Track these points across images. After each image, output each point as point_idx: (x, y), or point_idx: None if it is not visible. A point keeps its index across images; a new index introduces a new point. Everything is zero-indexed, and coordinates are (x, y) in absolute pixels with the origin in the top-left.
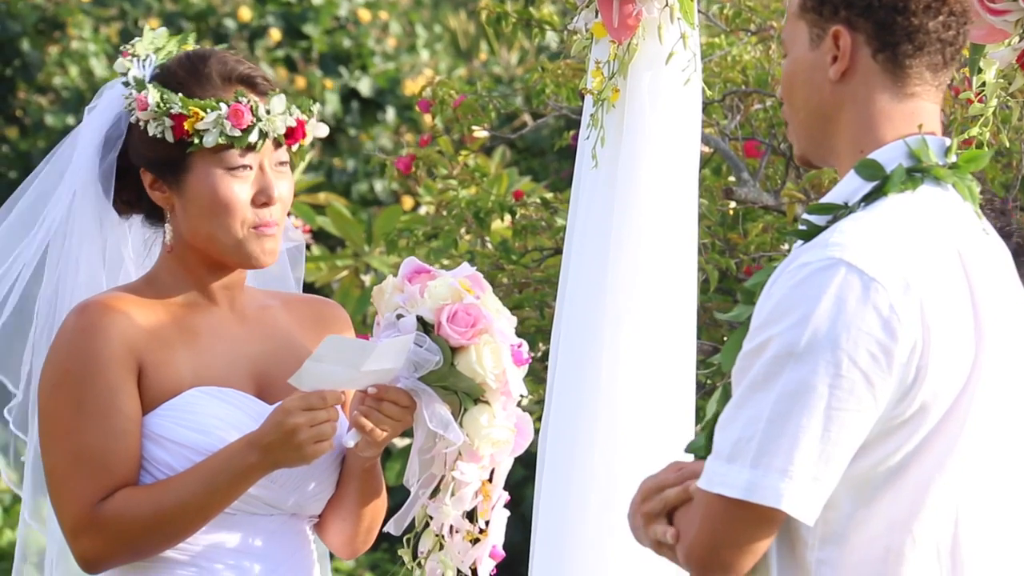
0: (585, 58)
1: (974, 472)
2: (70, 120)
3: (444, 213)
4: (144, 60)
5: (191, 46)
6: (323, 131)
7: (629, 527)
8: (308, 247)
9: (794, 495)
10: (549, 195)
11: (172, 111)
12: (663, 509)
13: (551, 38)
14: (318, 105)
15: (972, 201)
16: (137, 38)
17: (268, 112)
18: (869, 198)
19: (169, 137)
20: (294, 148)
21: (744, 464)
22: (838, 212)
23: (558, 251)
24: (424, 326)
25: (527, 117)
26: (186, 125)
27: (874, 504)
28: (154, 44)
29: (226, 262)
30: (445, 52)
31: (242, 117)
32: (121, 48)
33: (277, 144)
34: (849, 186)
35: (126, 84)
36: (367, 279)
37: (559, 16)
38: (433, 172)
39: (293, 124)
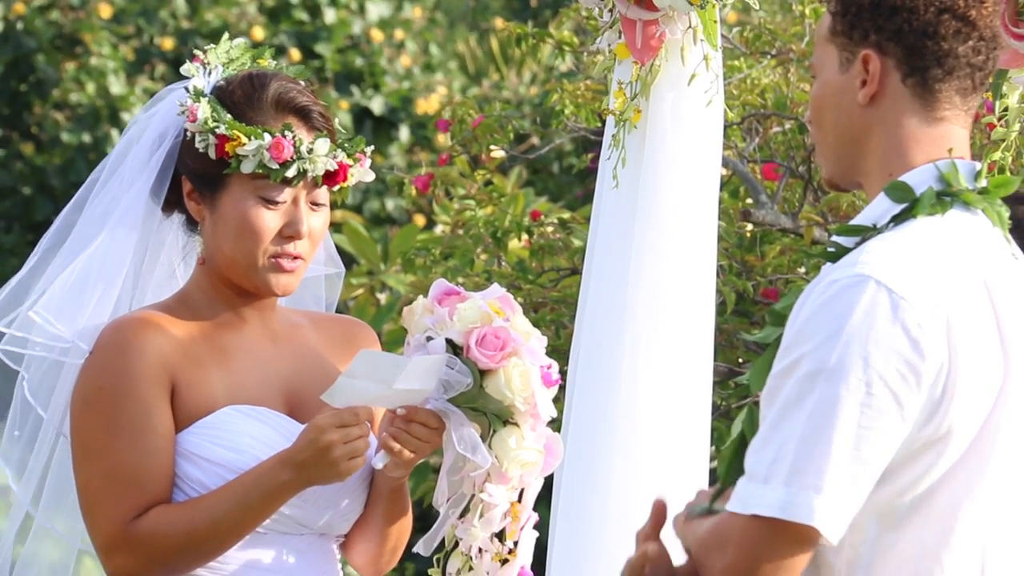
0: (607, 79)
1: (1002, 500)
2: (86, 137)
3: (461, 232)
4: (212, 70)
5: (266, 61)
6: (369, 176)
7: None
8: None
9: (825, 512)
10: (566, 215)
11: (217, 130)
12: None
13: (556, 57)
14: (371, 147)
15: (1001, 226)
16: (213, 44)
17: (311, 151)
18: (898, 219)
19: (212, 154)
20: (335, 189)
21: (778, 483)
22: (866, 233)
23: (575, 271)
24: (454, 348)
25: (535, 139)
26: (227, 147)
27: (901, 530)
28: (228, 55)
29: (242, 285)
30: (459, 72)
31: (282, 151)
32: (195, 51)
33: (315, 184)
34: (878, 208)
35: (187, 90)
36: (383, 297)
37: (576, 35)
38: (450, 192)
39: (334, 168)
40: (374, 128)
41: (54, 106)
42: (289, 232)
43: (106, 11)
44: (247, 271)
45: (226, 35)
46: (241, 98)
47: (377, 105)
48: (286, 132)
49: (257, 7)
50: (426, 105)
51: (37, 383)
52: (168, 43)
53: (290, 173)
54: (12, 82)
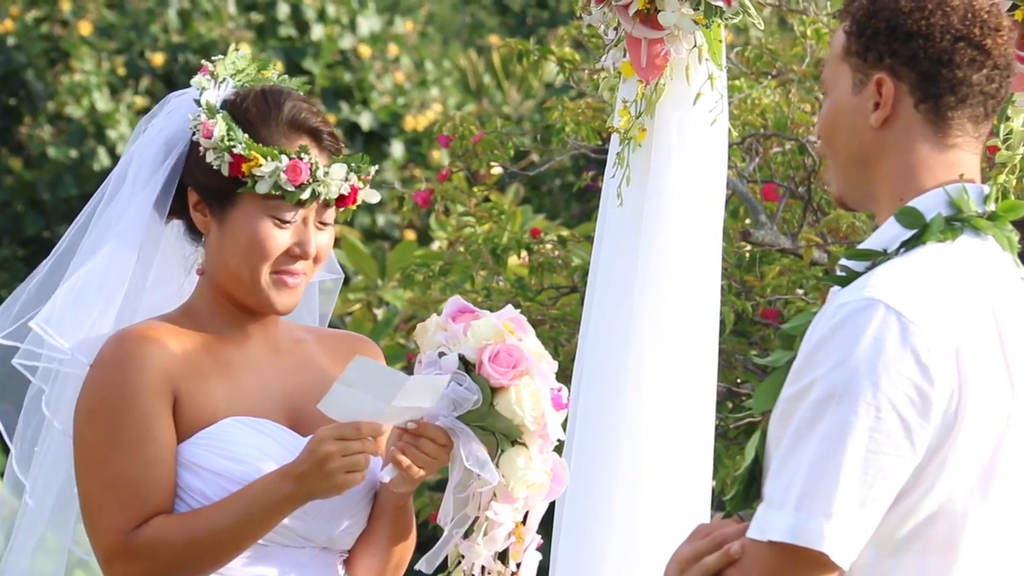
0: (610, 97)
1: (1005, 529)
2: (72, 153)
3: (461, 249)
4: (221, 82)
5: (270, 73)
6: (375, 198)
7: None
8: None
9: (835, 537)
10: (565, 233)
11: (234, 150)
12: None
13: (558, 75)
14: (375, 168)
15: (1011, 250)
16: (220, 55)
17: (326, 174)
18: (908, 245)
19: (224, 171)
20: (341, 209)
21: (789, 508)
22: (876, 258)
23: (573, 289)
24: (465, 365)
25: (533, 156)
26: (244, 167)
27: (900, 556)
28: (235, 66)
29: (244, 302)
30: (454, 88)
31: (300, 175)
32: (202, 62)
33: (326, 205)
34: (888, 233)
35: (198, 103)
36: (379, 312)
37: (573, 50)
38: (448, 208)
39: (347, 192)
40: (364, 144)
41: (48, 120)
42: (297, 251)
43: (86, 28)
44: (251, 288)
45: (232, 46)
46: (256, 116)
47: (366, 120)
48: (303, 155)
49: (245, 24)
50: (414, 122)
51: (53, 396)
52: (158, 58)
53: (304, 196)
54: (2, 97)
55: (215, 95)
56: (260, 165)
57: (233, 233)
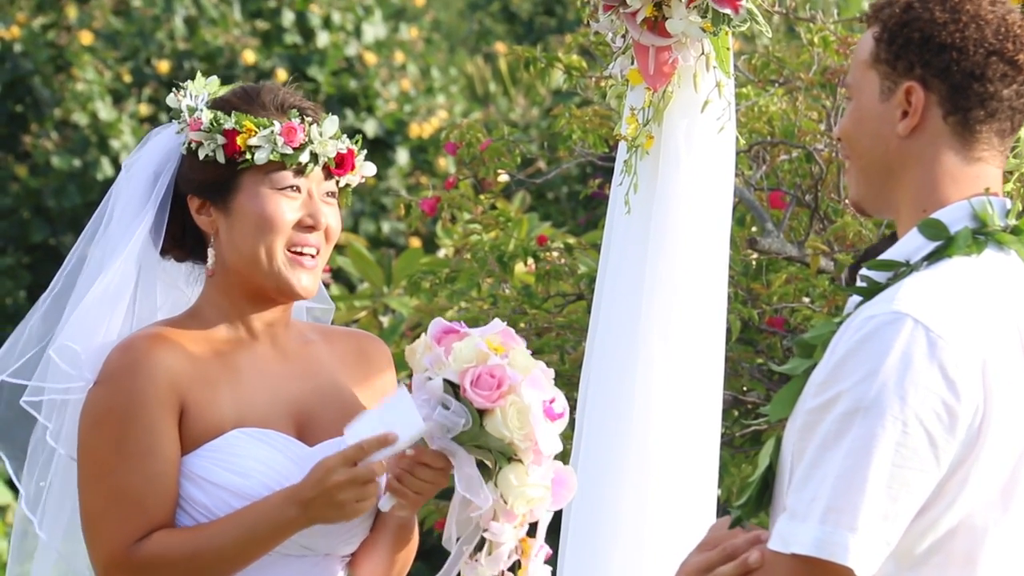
0: (617, 105)
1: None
2: (76, 162)
3: (467, 256)
4: (197, 96)
5: None
6: (371, 170)
7: None
8: (327, 286)
9: (859, 551)
10: (572, 240)
11: (225, 127)
12: None
13: (565, 82)
14: (364, 151)
15: None
16: (190, 81)
17: (320, 135)
18: (932, 258)
19: (220, 158)
20: (342, 181)
21: (813, 521)
22: (899, 270)
23: (580, 297)
24: (452, 388)
25: (541, 164)
26: (238, 140)
27: (920, 570)
28: (207, 88)
29: (264, 289)
30: (460, 95)
31: (295, 135)
32: (173, 90)
33: (327, 173)
34: (911, 244)
35: (177, 116)
36: (385, 320)
37: (580, 57)
38: (455, 215)
39: (344, 150)
40: (370, 151)
41: (54, 127)
42: (309, 222)
43: (87, 38)
44: (268, 269)
45: (199, 74)
46: (240, 103)
47: (371, 128)
48: (294, 118)
49: (250, 31)
50: (420, 129)
51: (57, 426)
52: (164, 66)
53: (304, 158)
54: (8, 104)
55: (194, 101)
56: (254, 133)
57: (241, 218)
